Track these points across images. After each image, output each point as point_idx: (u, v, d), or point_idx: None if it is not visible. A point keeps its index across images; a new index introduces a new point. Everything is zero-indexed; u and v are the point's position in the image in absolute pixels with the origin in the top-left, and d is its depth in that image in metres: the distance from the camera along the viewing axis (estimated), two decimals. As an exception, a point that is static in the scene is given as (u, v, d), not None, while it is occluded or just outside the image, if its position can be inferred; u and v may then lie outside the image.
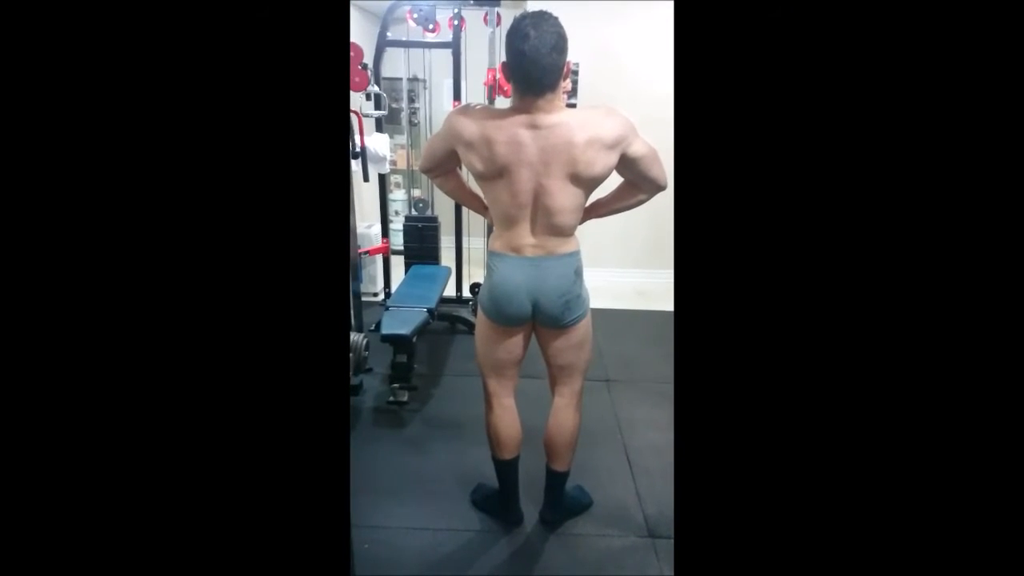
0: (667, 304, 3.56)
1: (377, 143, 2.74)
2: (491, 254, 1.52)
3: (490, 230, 1.64)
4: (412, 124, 3.70)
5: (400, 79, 3.39)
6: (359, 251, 2.92)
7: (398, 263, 3.39)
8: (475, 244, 3.44)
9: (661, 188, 1.49)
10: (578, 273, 1.51)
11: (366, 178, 2.54)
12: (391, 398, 2.43)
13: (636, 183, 1.50)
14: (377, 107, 2.94)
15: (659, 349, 3.03)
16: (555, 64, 1.30)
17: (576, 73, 3.58)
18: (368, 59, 2.77)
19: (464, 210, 3.05)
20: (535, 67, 1.29)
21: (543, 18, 1.30)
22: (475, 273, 3.12)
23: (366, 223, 3.61)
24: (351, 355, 2.21)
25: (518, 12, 1.36)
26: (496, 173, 1.38)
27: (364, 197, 3.76)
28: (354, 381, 2.43)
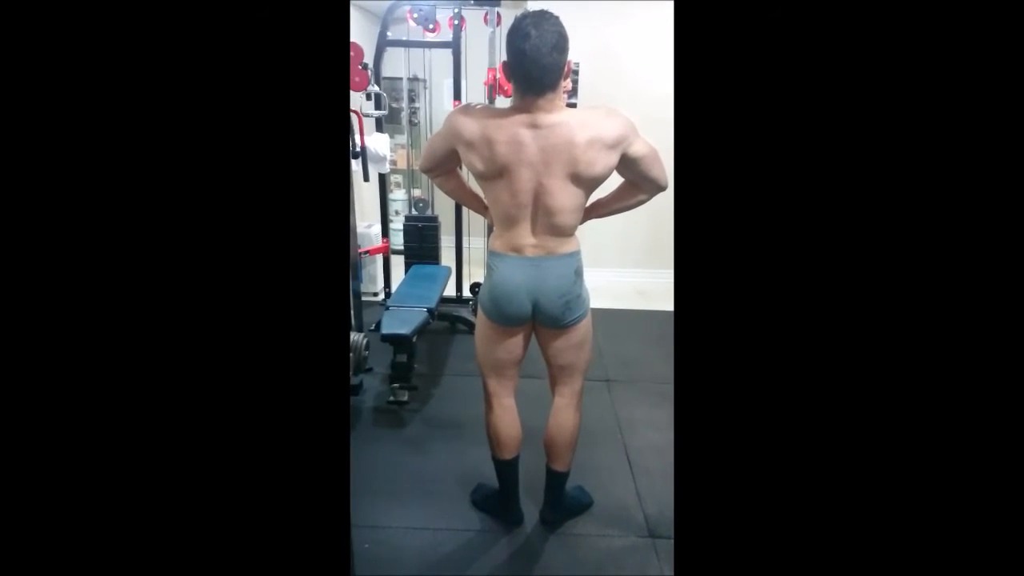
0: (667, 304, 3.56)
1: (377, 143, 2.74)
2: (491, 254, 1.51)
3: (490, 230, 1.64)
4: (412, 124, 3.70)
5: (400, 79, 3.39)
6: (359, 251, 2.92)
7: (398, 263, 3.39)
8: (475, 244, 3.43)
9: (662, 188, 1.48)
10: (578, 273, 1.51)
11: (366, 178, 2.55)
12: (391, 398, 2.43)
13: (636, 183, 1.50)
14: (377, 107, 2.94)
15: (659, 349, 3.03)
16: (556, 63, 1.30)
17: (576, 73, 3.58)
18: (368, 59, 2.77)
19: (464, 210, 3.05)
20: (536, 66, 1.29)
21: (544, 17, 1.30)
22: (475, 273, 3.12)
23: (366, 223, 3.61)
24: (351, 355, 2.21)
25: (518, 12, 1.36)
26: (496, 173, 1.38)
27: (364, 197, 3.76)
28: (354, 381, 2.43)
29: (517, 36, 1.29)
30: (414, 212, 3.49)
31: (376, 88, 2.88)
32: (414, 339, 2.43)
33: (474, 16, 2.97)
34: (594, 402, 2.41)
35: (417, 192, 3.61)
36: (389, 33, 2.95)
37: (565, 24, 1.33)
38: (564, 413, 1.67)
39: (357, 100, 2.93)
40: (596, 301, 1.75)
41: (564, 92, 1.41)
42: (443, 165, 1.55)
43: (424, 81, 3.52)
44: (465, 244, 3.36)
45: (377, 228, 3.45)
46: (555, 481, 1.75)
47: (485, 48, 2.97)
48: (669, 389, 2.49)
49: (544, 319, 1.52)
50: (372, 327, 2.73)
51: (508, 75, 1.36)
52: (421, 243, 3.24)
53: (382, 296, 3.50)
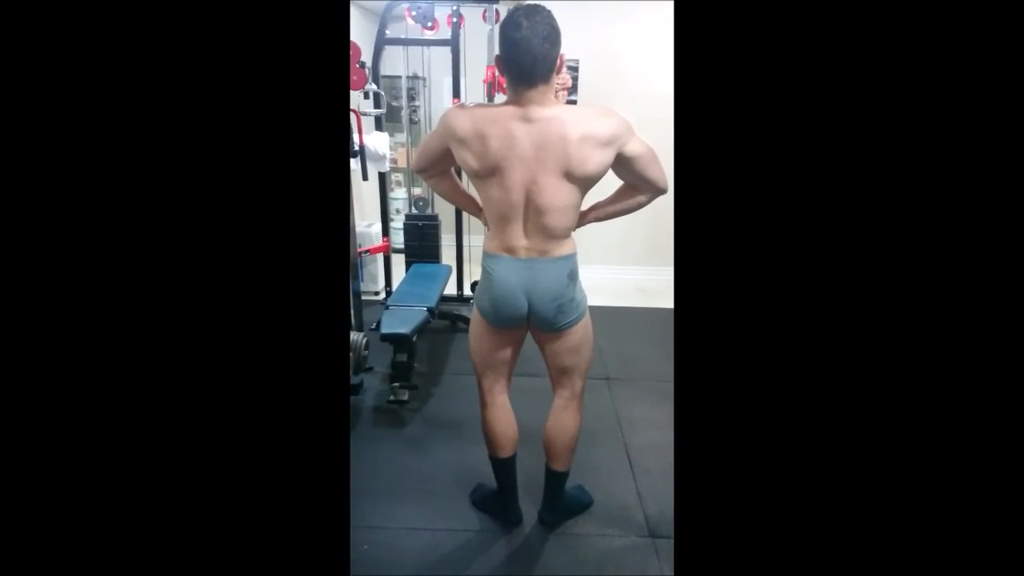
0: (668, 301, 3.56)
1: (376, 141, 2.73)
2: (485, 255, 1.50)
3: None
4: (412, 122, 3.70)
5: (399, 77, 3.38)
6: (359, 250, 2.92)
7: (399, 262, 3.39)
8: (475, 242, 3.41)
9: (661, 190, 1.47)
10: (572, 276, 1.49)
11: (365, 177, 2.54)
12: (391, 397, 2.43)
13: (635, 184, 1.49)
14: (376, 105, 2.94)
15: (660, 347, 3.03)
16: (548, 54, 1.31)
17: (576, 71, 3.58)
18: (367, 57, 2.76)
19: (464, 208, 3.05)
20: (527, 56, 1.29)
21: (536, 10, 1.32)
22: (476, 271, 3.11)
23: (367, 222, 3.61)
24: (351, 354, 2.21)
25: (517, 9, 1.36)
26: (489, 170, 1.37)
27: (365, 195, 3.76)
28: (354, 380, 2.43)
29: (509, 27, 1.30)
30: (414, 211, 3.49)
31: (374, 87, 2.88)
32: (414, 338, 2.43)
33: (473, 13, 2.97)
34: (594, 400, 2.41)
35: (417, 191, 3.60)
36: (388, 31, 2.95)
37: (564, 23, 1.33)
38: (564, 413, 1.67)
39: (355, 99, 2.93)
40: (597, 298, 1.74)
41: (563, 90, 1.41)
42: (437, 165, 1.55)
43: (423, 79, 3.51)
44: (465, 243, 3.36)
45: (377, 227, 3.45)
46: (555, 481, 1.75)
47: (484, 46, 2.97)
48: (670, 387, 2.50)
49: (537, 322, 1.51)
50: (372, 326, 2.73)
51: (501, 68, 1.36)
52: (421, 242, 3.24)
53: (383, 295, 3.50)
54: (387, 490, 1.96)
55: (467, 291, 3.46)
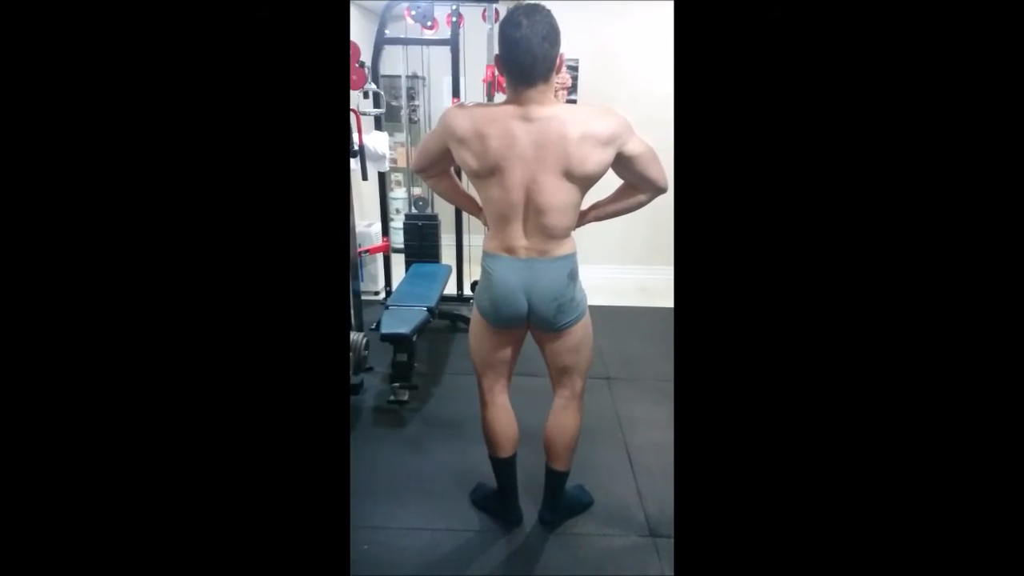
0: (668, 301, 3.56)
1: (376, 141, 2.73)
2: (485, 255, 1.50)
3: (491, 229, 1.63)
4: (412, 122, 3.70)
5: (399, 76, 3.38)
6: (359, 250, 2.92)
7: (398, 261, 3.39)
8: (475, 242, 3.41)
9: (661, 190, 1.47)
10: (572, 276, 1.49)
11: (365, 176, 2.54)
12: (391, 397, 2.43)
13: (635, 184, 1.49)
14: (376, 105, 2.93)
15: (660, 346, 3.03)
16: (547, 53, 1.30)
17: (576, 69, 3.58)
18: (366, 57, 2.76)
19: (464, 208, 3.05)
20: (527, 55, 1.29)
21: (535, 9, 1.31)
22: (476, 271, 3.11)
23: (366, 221, 3.61)
24: (351, 354, 2.21)
25: (517, 8, 1.36)
26: (489, 170, 1.37)
27: (365, 195, 3.76)
28: (354, 380, 2.43)
29: (509, 26, 1.30)
30: (414, 211, 3.49)
31: (374, 86, 2.88)
32: (414, 338, 2.43)
33: (472, 13, 2.97)
34: (594, 400, 2.41)
35: (417, 190, 3.60)
36: (387, 31, 2.95)
37: (564, 23, 1.33)
38: (564, 413, 1.67)
39: (355, 98, 2.93)
40: (597, 298, 1.74)
41: (562, 89, 1.41)
42: (436, 165, 1.54)
43: (423, 79, 3.51)
44: (465, 242, 3.36)
45: (377, 227, 3.45)
46: (555, 480, 1.75)
47: (484, 45, 2.97)
48: (670, 386, 2.49)
49: (537, 321, 1.51)
50: (372, 326, 2.73)
51: (501, 67, 1.36)
52: (421, 242, 3.24)
53: (383, 295, 3.50)
54: (387, 490, 1.96)
55: (467, 291, 3.46)
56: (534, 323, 1.52)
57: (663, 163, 1.44)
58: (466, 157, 1.39)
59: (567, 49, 1.42)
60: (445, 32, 2.95)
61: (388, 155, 2.91)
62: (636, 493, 1.97)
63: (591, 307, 1.62)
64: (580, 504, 1.88)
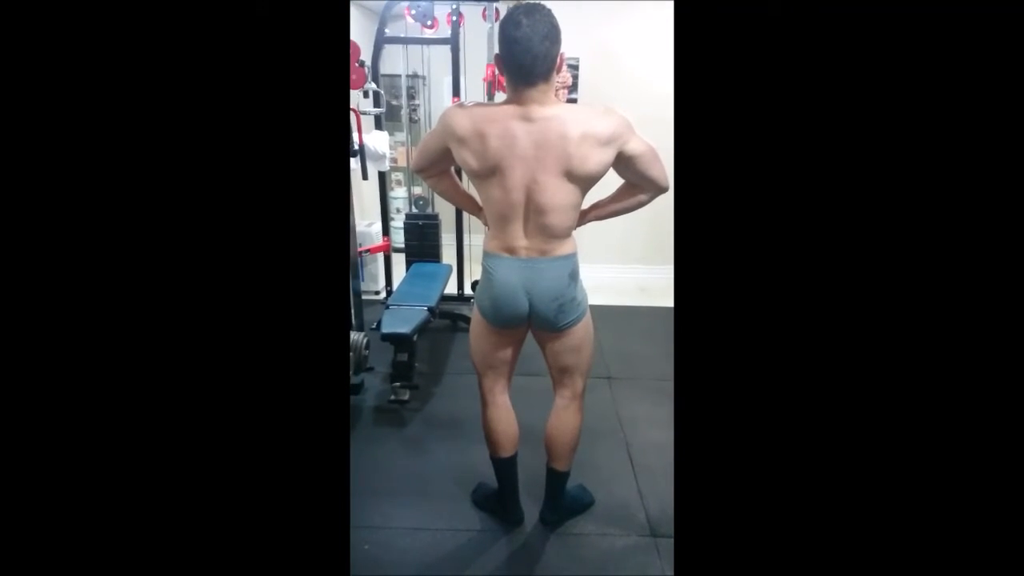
0: (669, 300, 3.56)
1: (376, 141, 2.73)
2: (486, 255, 1.50)
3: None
4: (412, 121, 3.69)
5: (399, 76, 3.38)
6: (360, 249, 2.92)
7: (399, 261, 3.39)
8: (476, 242, 3.41)
9: (662, 189, 1.47)
10: (573, 276, 1.49)
11: (365, 176, 2.54)
12: (392, 397, 2.43)
13: (635, 183, 1.49)
14: (376, 104, 2.93)
15: (661, 345, 3.03)
16: (548, 52, 1.30)
17: (576, 69, 3.58)
18: (366, 56, 2.76)
19: (465, 207, 3.05)
20: (527, 55, 1.28)
21: (536, 8, 1.31)
22: (476, 271, 3.11)
23: (367, 221, 3.61)
24: (352, 354, 2.21)
25: (517, 7, 1.36)
26: (489, 169, 1.37)
27: (365, 195, 3.76)
28: (355, 380, 2.43)
29: (509, 25, 1.30)
30: (414, 210, 3.49)
31: (374, 85, 2.88)
32: (415, 338, 2.43)
33: (472, 12, 2.96)
34: (595, 399, 2.41)
35: (417, 190, 3.60)
36: (387, 30, 2.94)
37: (564, 23, 1.33)
38: (565, 413, 1.67)
39: (355, 98, 2.93)
40: (597, 297, 1.74)
41: (563, 88, 1.40)
42: (437, 165, 1.54)
43: (423, 78, 3.51)
44: (466, 242, 3.36)
45: (378, 226, 3.45)
46: (556, 480, 1.75)
47: (484, 44, 2.96)
48: (671, 386, 2.47)
49: (538, 321, 1.51)
50: (373, 326, 2.73)
51: (501, 67, 1.35)
52: (422, 241, 3.24)
53: (383, 295, 3.50)
54: (387, 490, 1.96)
55: (467, 290, 3.46)
56: (535, 323, 1.52)
57: (663, 162, 1.44)
58: (466, 157, 1.38)
59: (567, 48, 1.41)
60: (445, 31, 2.95)
61: (388, 154, 2.91)
62: (637, 493, 1.97)
63: (592, 307, 1.62)
64: (581, 504, 1.88)
